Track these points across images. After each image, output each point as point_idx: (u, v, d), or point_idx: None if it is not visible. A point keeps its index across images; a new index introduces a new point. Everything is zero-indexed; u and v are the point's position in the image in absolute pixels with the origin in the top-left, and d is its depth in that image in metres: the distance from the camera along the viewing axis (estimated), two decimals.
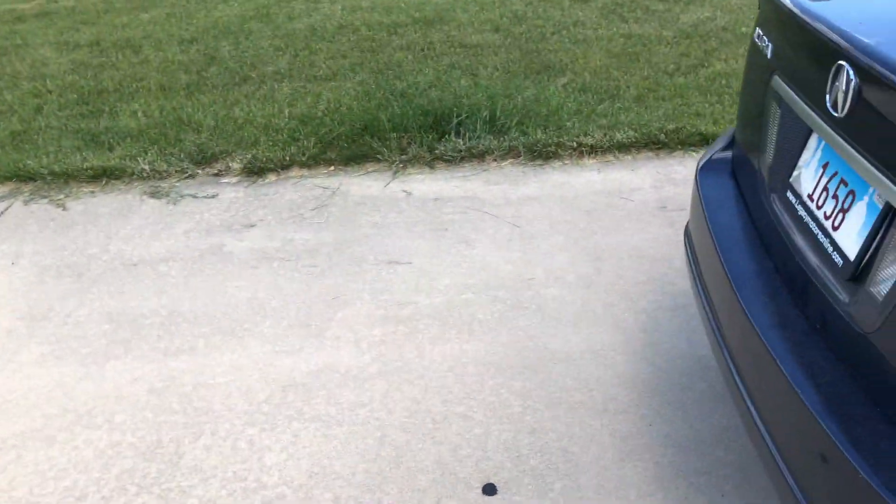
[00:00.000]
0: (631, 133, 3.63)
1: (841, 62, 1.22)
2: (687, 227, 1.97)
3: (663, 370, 2.28)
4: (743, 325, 1.41)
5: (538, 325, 2.51)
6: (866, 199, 1.24)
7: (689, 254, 1.86)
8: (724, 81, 4.15)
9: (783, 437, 1.25)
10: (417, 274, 2.80)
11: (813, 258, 1.34)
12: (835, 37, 1.26)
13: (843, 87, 1.21)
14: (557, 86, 4.20)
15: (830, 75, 1.26)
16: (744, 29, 5.00)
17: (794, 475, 1.20)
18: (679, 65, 4.44)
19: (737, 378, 1.42)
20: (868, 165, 1.17)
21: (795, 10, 1.40)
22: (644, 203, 3.18)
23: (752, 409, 1.34)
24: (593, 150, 3.60)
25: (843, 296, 1.23)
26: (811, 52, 1.35)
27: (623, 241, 2.93)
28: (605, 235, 2.98)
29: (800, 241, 1.40)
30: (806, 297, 1.37)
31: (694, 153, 3.54)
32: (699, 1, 5.75)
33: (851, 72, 1.19)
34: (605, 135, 3.64)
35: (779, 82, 1.53)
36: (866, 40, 1.20)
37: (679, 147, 3.58)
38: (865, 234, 1.21)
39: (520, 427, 2.12)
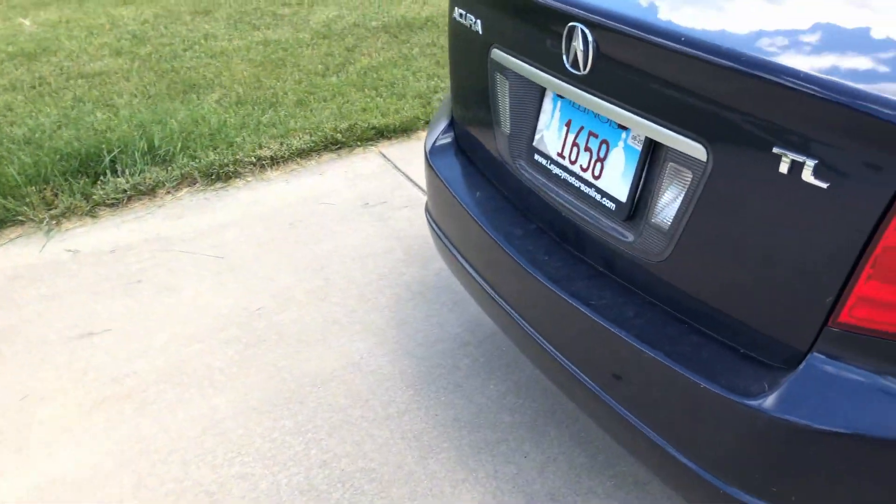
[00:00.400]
0: (307, 138, 3.58)
1: (574, 24, 1.31)
2: (429, 211, 1.98)
3: (426, 358, 2.29)
4: (532, 286, 1.46)
5: (285, 353, 2.34)
6: (621, 143, 1.35)
7: (441, 236, 1.88)
8: (375, 75, 4.30)
9: (605, 378, 1.32)
10: (124, 339, 2.42)
11: (582, 209, 1.44)
12: (562, 3, 1.34)
13: (582, 47, 1.30)
14: (210, 103, 3.96)
15: (563, 38, 1.34)
16: (373, 23, 5.24)
17: (634, 411, 1.28)
18: (327, 65, 4.49)
19: (539, 337, 1.47)
20: (621, 111, 1.28)
21: None
22: (345, 203, 3.16)
23: (562, 360, 1.40)
24: (274, 162, 3.48)
25: (626, 235, 1.34)
26: (538, 19, 1.43)
27: (340, 244, 2.88)
28: (318, 244, 2.90)
29: (563, 197, 1.49)
30: (583, 245, 1.46)
31: (374, 147, 3.62)
32: (322, 1, 5.89)
33: (587, 31, 1.28)
34: (281, 144, 3.53)
35: (500, 54, 1.60)
36: (594, 2, 1.30)
37: (358, 144, 3.63)
38: (631, 174, 1.32)
39: (309, 465, 1.96)
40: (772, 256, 1.07)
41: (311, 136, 3.59)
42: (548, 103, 1.53)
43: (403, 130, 3.69)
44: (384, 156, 3.54)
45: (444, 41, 4.82)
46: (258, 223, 3.05)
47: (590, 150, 1.42)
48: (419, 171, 3.35)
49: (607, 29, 1.25)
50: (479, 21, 1.66)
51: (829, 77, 0.96)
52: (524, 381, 2.18)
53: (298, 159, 3.51)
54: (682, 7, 1.25)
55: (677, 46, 1.12)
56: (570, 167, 1.47)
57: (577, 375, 1.39)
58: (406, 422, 2.06)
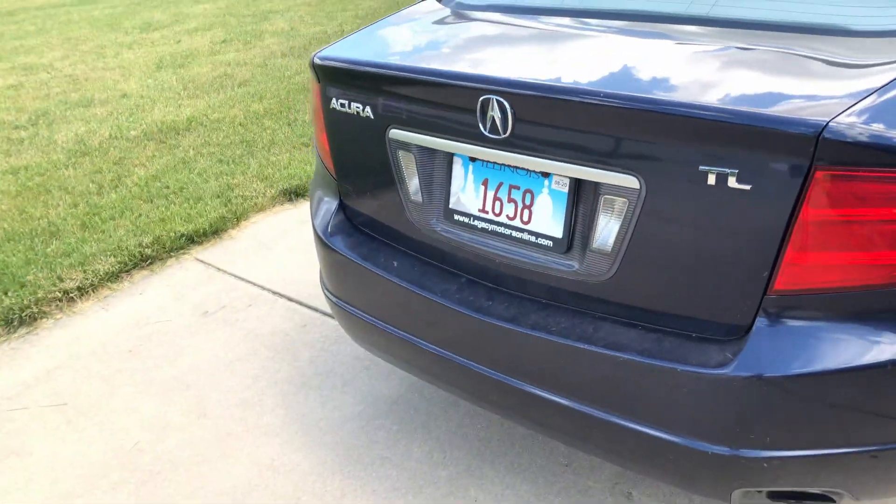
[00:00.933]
0: (112, 260, 3.40)
1: (488, 96, 1.55)
2: (334, 293, 2.06)
3: (340, 443, 2.32)
4: (486, 331, 1.63)
5: (188, 479, 2.24)
6: (545, 190, 1.60)
7: (358, 313, 1.97)
8: (158, 183, 4.19)
9: (585, 392, 1.54)
10: None
11: (518, 252, 1.65)
12: (475, 81, 1.57)
13: (500, 115, 1.54)
14: None
15: (478, 109, 1.57)
16: (132, 132, 5.08)
17: (621, 414, 1.51)
18: (100, 183, 4.28)
19: (502, 376, 1.65)
20: (543, 161, 1.53)
21: (417, 73, 1.67)
22: (182, 317, 3.06)
23: (534, 390, 1.60)
24: (83, 292, 3.25)
25: (570, 265, 1.58)
26: (446, 97, 1.64)
27: (197, 358, 2.79)
28: (172, 363, 2.78)
29: (494, 245, 1.69)
30: (524, 284, 1.68)
31: (187, 255, 3.54)
32: (62, 118, 5.56)
33: (503, 101, 1.52)
34: (85, 272, 3.32)
35: (400, 132, 1.77)
36: (506, 76, 1.55)
37: (169, 255, 3.53)
38: (562, 213, 1.57)
39: None
40: (710, 253, 1.38)
41: (114, 257, 3.41)
42: (458, 168, 1.73)
43: (213, 232, 3.66)
44: (202, 261, 3.48)
45: (217, 138, 4.83)
46: (91, 359, 2.84)
47: (514, 201, 1.65)
48: (246, 268, 3.35)
49: (523, 97, 1.50)
50: (368, 107, 1.82)
51: (732, 106, 1.30)
52: (444, 435, 2.31)
53: (109, 284, 3.32)
54: (582, 66, 1.54)
55: (599, 100, 1.40)
56: (496, 219, 1.69)
57: (554, 400, 1.58)
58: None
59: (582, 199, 1.51)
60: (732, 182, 1.28)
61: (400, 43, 1.93)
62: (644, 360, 1.43)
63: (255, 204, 3.91)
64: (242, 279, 3.29)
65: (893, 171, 1.19)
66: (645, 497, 2.02)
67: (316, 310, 3.02)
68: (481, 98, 1.53)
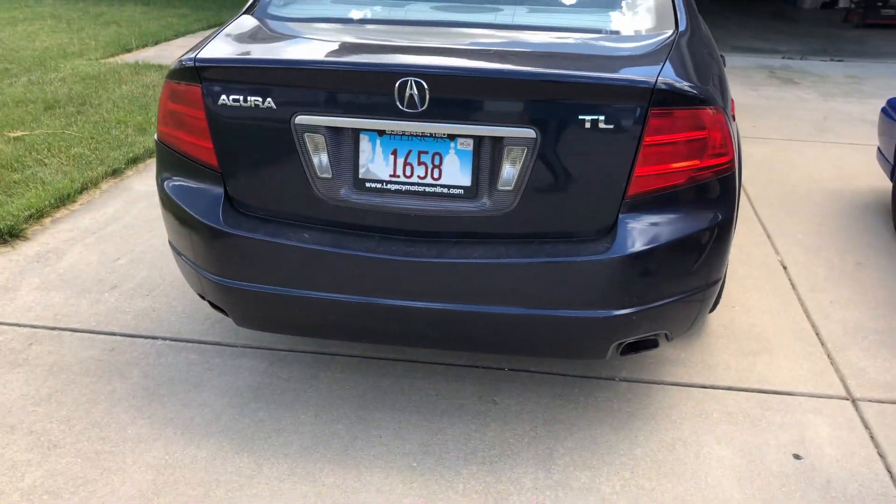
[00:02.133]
0: None
1: (406, 78, 2.02)
2: (231, 276, 2.25)
3: (221, 432, 2.49)
4: (419, 269, 2.08)
5: None
6: (452, 150, 2.11)
7: (270, 288, 2.22)
8: None
9: (506, 296, 2.09)
10: None
11: (431, 204, 2.12)
12: (394, 67, 2.02)
13: (417, 92, 2.02)
14: None
15: (396, 89, 2.03)
16: None
17: (534, 305, 2.10)
18: None
19: (435, 304, 2.11)
20: (450, 127, 2.05)
21: (329, 65, 2.04)
22: None
23: (460, 307, 2.10)
24: None
25: (480, 205, 2.12)
26: (360, 82, 2.04)
27: (18, 401, 2.58)
28: None
29: (408, 202, 2.13)
30: (437, 229, 2.16)
31: None
32: None
33: (422, 81, 2.01)
34: None
35: (306, 118, 2.09)
36: (420, 60, 2.03)
37: None
38: (469, 167, 2.11)
39: None
40: (585, 177, 2.04)
41: None
42: (365, 144, 2.14)
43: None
44: None
45: None
46: None
47: (424, 163, 2.13)
48: None
49: (436, 76, 2.01)
50: (269, 99, 2.12)
51: (596, 73, 2.00)
52: (321, 400, 2.60)
53: None
54: (480, 51, 2.10)
55: (505, 76, 1.99)
56: (408, 180, 2.14)
57: (485, 311, 2.10)
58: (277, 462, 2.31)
59: (482, 152, 2.07)
60: (601, 125, 1.98)
61: (277, 42, 2.27)
62: (548, 259, 2.05)
63: None
64: (1, 323, 3.07)
65: (689, 109, 2.00)
66: (506, 399, 2.63)
67: (114, 334, 3.01)
68: (399, 80, 2.00)
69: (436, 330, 2.17)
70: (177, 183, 2.34)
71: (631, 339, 2.19)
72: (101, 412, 2.54)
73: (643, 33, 2.34)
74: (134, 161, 4.78)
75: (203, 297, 2.48)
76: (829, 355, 2.88)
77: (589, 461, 2.33)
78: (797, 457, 2.36)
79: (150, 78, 6.74)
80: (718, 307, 3.11)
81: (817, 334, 3.02)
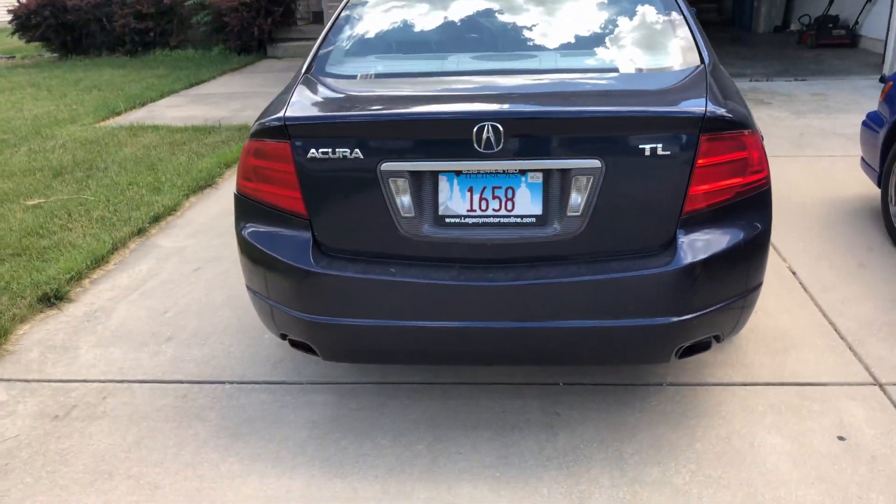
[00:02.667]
0: None
1: (483, 123, 2.29)
2: (322, 314, 2.48)
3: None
4: (501, 293, 2.34)
5: None
6: (523, 185, 2.37)
7: (361, 321, 2.45)
8: None
9: (578, 311, 2.34)
10: None
11: (505, 232, 2.37)
12: (472, 115, 2.29)
13: (493, 135, 2.29)
14: None
15: (474, 134, 2.29)
16: None
17: (609, 318, 2.36)
18: None
19: (518, 324, 2.36)
20: (522, 164, 2.32)
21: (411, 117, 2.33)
22: (34, 429, 2.91)
23: (540, 325, 2.35)
24: None
25: (551, 230, 2.38)
26: (441, 131, 2.32)
27: (127, 451, 2.73)
28: (67, 465, 2.71)
29: (483, 233, 2.38)
30: (510, 255, 2.41)
31: None
32: None
33: (497, 125, 2.28)
34: None
35: (391, 164, 2.35)
36: (493, 108, 2.31)
37: None
38: (540, 198, 2.36)
39: None
40: (646, 199, 2.32)
41: None
42: (444, 184, 2.38)
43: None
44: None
45: None
46: None
47: (497, 197, 2.39)
48: (62, 372, 3.25)
49: (510, 120, 2.29)
50: (358, 150, 2.37)
51: (655, 108, 2.29)
52: (394, 423, 2.79)
53: None
54: (542, 94, 2.38)
55: (574, 115, 2.27)
56: (483, 213, 2.40)
57: (563, 326, 2.34)
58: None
59: (552, 183, 2.35)
60: (659, 152, 2.27)
61: (352, 97, 2.54)
62: (616, 275, 2.32)
63: (15, 316, 3.74)
64: (70, 381, 3.21)
65: (731, 132, 2.30)
66: (568, 410, 2.87)
67: (181, 382, 3.19)
68: (477, 125, 2.27)
69: (517, 347, 2.41)
70: (263, 231, 2.56)
71: (690, 343, 2.45)
72: (190, 453, 2.71)
73: (676, 68, 2.64)
74: (156, 219, 4.96)
75: (285, 337, 2.68)
76: (850, 347, 3.17)
77: (656, 458, 2.57)
78: (841, 438, 2.62)
79: (147, 139, 6.94)
80: None
81: (836, 329, 3.31)
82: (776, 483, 2.42)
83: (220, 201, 5.37)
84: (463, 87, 2.64)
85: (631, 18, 2.90)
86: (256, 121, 2.54)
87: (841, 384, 2.92)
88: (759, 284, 2.52)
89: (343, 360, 2.61)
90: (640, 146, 2.26)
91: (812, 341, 3.21)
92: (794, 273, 3.86)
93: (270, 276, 2.53)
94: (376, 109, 2.46)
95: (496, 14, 3.00)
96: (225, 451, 2.70)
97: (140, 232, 4.77)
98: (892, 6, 8.52)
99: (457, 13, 3.05)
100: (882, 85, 4.58)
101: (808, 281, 3.77)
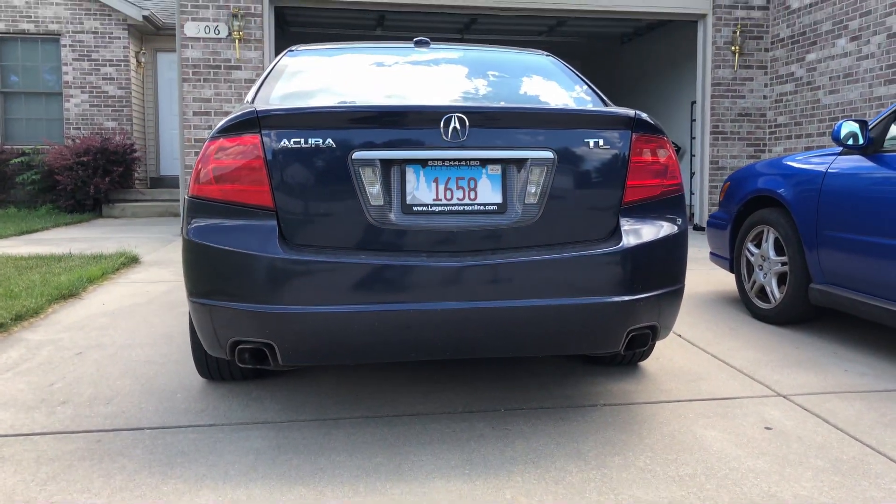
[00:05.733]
0: None
1: (450, 115, 2.56)
2: (295, 302, 2.48)
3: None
4: (460, 273, 2.49)
5: None
6: (484, 176, 2.62)
7: (332, 308, 2.48)
8: None
9: (537, 290, 2.52)
10: None
11: (469, 219, 2.55)
12: (436, 108, 2.56)
13: (459, 126, 2.57)
14: None
15: (442, 124, 2.56)
16: None
17: (556, 295, 2.59)
18: None
19: (479, 303, 2.51)
20: (483, 155, 2.57)
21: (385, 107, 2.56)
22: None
23: (500, 304, 2.49)
24: None
25: (510, 217, 2.62)
26: (410, 122, 2.55)
27: None
28: None
29: (449, 220, 2.53)
30: (474, 241, 2.59)
31: None
32: None
33: (462, 117, 2.57)
34: None
35: (362, 153, 2.51)
36: (458, 103, 2.60)
37: None
38: (499, 187, 2.61)
39: None
40: (591, 188, 2.66)
41: None
42: (411, 174, 2.58)
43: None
44: None
45: None
46: None
47: (462, 188, 2.62)
48: None
49: (475, 114, 2.59)
50: (329, 140, 2.54)
51: (592, 109, 2.69)
52: (346, 442, 2.75)
53: None
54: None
55: (532, 111, 2.62)
56: (448, 202, 2.60)
57: (520, 305, 2.52)
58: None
59: (509, 175, 2.63)
60: (601, 145, 2.65)
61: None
62: (571, 254, 2.58)
63: None
64: None
65: (655, 136, 2.75)
66: (518, 426, 2.95)
67: (90, 431, 2.95)
68: (445, 116, 2.55)
69: (481, 330, 2.54)
70: (220, 227, 2.55)
71: (637, 327, 2.70)
72: (122, 481, 2.49)
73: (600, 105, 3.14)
74: (19, 318, 4.63)
75: (234, 349, 2.61)
76: (749, 376, 3.55)
77: (613, 451, 2.70)
78: (768, 428, 2.91)
79: None
80: (649, 358, 3.73)
81: (731, 366, 3.70)
82: (727, 458, 2.63)
83: (89, 307, 5.10)
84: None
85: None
86: (217, 127, 2.63)
87: (753, 397, 3.25)
88: (682, 285, 2.86)
89: (303, 360, 2.57)
90: (586, 139, 2.63)
91: (716, 374, 3.56)
92: (679, 335, 4.29)
93: (229, 274, 2.52)
94: (349, 101, 2.67)
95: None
96: (163, 476, 2.51)
97: (1, 327, 4.41)
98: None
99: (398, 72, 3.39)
100: None
101: (694, 339, 4.20)
